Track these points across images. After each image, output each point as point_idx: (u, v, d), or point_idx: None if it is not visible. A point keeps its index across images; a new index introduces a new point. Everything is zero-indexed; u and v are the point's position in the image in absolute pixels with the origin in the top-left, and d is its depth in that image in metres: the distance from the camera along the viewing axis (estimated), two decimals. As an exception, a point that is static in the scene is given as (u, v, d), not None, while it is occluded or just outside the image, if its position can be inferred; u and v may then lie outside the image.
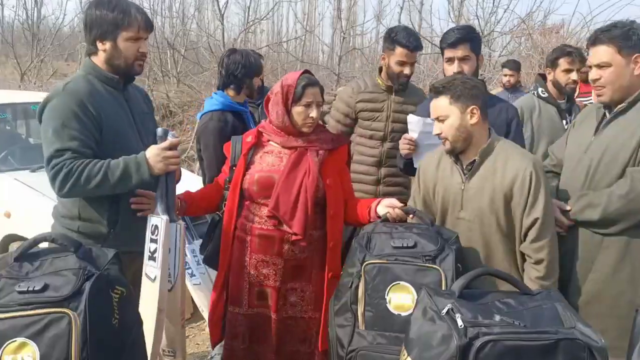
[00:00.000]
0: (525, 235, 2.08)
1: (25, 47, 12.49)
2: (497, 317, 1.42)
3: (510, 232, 2.11)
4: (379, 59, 3.18)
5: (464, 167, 2.17)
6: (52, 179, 2.05)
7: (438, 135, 2.17)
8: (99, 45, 2.16)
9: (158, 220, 2.06)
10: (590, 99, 5.87)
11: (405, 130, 2.69)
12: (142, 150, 2.19)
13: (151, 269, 2.03)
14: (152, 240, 2.05)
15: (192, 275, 3.50)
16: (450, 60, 2.64)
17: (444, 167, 2.24)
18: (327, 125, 3.17)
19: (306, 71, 2.33)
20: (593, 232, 2.10)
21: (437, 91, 2.15)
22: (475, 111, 2.10)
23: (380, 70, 3.17)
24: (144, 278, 2.06)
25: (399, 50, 2.98)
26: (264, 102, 2.38)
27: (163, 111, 9.20)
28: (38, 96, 4.35)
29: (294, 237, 2.25)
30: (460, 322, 1.40)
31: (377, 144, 3.16)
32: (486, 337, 1.36)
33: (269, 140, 2.35)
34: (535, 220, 2.05)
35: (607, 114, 2.18)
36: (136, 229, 2.19)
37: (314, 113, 2.25)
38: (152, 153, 2.10)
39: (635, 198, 1.98)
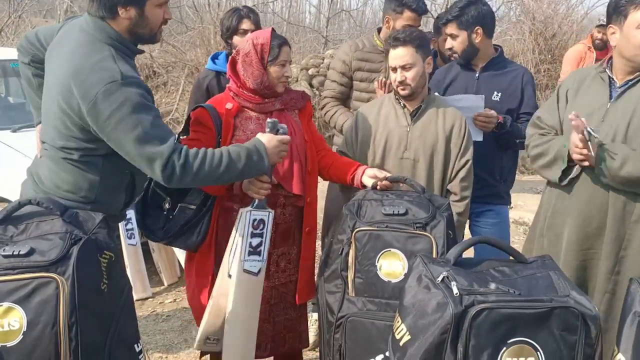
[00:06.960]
0: (456, 174, 2.39)
1: (2, 2, 12.04)
2: (492, 285, 1.41)
3: (445, 170, 2.40)
4: (383, 21, 3.02)
5: (411, 112, 2.41)
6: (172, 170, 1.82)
7: (402, 82, 2.33)
8: (121, 11, 1.84)
9: (264, 214, 2.02)
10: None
11: None
12: None
13: (254, 264, 2.00)
14: (254, 235, 1.99)
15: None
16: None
17: (386, 113, 2.45)
18: (325, 87, 3.12)
19: (272, 30, 2.25)
20: (624, 209, 2.02)
21: (401, 41, 2.32)
22: (430, 61, 2.39)
23: (379, 31, 3.06)
24: (240, 274, 1.98)
25: (407, 13, 2.87)
26: (229, 66, 2.25)
27: (147, 71, 8.94)
28: (16, 53, 4.22)
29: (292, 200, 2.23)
30: (455, 290, 1.39)
31: None
32: (481, 305, 1.36)
33: (243, 106, 2.26)
34: (467, 161, 2.38)
35: (616, 79, 2.10)
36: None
37: (289, 72, 2.22)
38: (272, 144, 1.98)
39: None
